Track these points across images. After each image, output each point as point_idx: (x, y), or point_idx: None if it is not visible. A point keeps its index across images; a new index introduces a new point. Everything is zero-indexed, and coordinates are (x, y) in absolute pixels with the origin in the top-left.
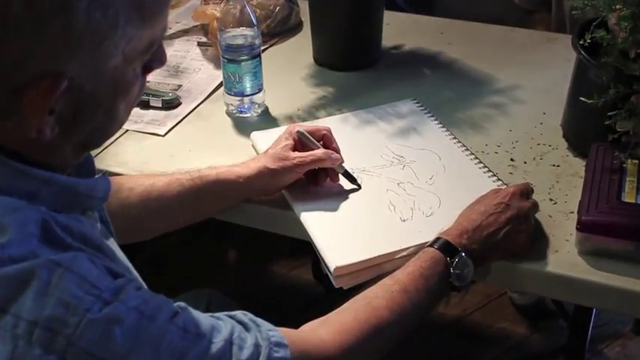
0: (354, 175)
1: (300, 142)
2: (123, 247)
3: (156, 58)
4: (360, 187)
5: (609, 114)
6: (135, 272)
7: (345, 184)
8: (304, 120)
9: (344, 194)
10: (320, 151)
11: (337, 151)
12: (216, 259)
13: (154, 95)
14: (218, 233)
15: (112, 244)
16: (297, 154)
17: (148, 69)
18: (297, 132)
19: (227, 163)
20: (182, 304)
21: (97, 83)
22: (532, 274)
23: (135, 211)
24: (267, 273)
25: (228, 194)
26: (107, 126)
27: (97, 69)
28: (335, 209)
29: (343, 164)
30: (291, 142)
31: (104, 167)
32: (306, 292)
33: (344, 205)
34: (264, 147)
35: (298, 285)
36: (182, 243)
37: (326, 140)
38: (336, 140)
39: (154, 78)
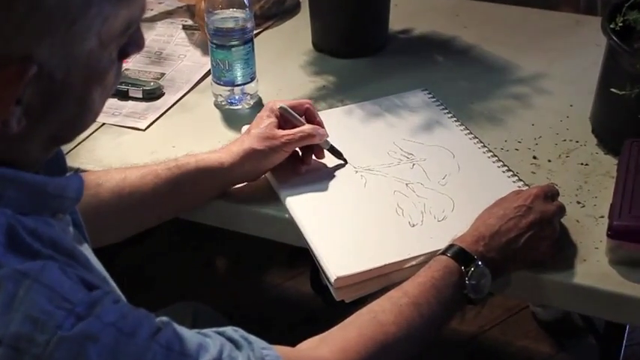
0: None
1: (283, 119)
2: (99, 254)
3: (133, 42)
4: (346, 161)
5: None
6: (112, 283)
7: (331, 160)
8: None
9: (331, 174)
10: (308, 127)
11: (321, 125)
12: (204, 267)
13: (133, 85)
14: (206, 239)
15: (87, 250)
16: (284, 131)
17: (124, 54)
18: (280, 108)
19: None
20: (165, 319)
21: (70, 69)
22: (557, 286)
23: (106, 210)
24: (260, 283)
25: (211, 183)
26: (80, 118)
27: (70, 53)
28: (323, 189)
29: (328, 139)
30: (274, 119)
31: (77, 165)
32: (303, 305)
33: (344, 205)
34: None
35: (295, 297)
36: (165, 249)
37: (309, 115)
38: (338, 135)
39: (133, 66)
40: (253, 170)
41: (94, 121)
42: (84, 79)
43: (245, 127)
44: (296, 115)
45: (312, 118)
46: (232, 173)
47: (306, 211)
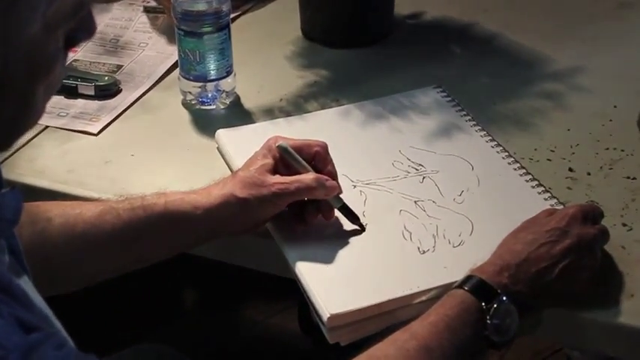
0: (356, 212)
1: (283, 162)
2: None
3: (83, 27)
4: (363, 228)
5: None
6: (56, 322)
7: (344, 222)
8: (289, 114)
9: (342, 236)
10: (309, 176)
11: (333, 176)
12: (170, 301)
13: (83, 79)
14: (173, 266)
15: (26, 283)
16: (277, 178)
17: (72, 42)
18: (279, 147)
19: (183, 173)
20: None
21: (9, 59)
22: (598, 326)
23: (54, 251)
24: (237, 320)
25: (181, 232)
26: (21, 118)
27: (9, 39)
28: (333, 256)
29: (341, 195)
30: (269, 161)
31: (15, 177)
32: (290, 347)
33: (340, 228)
34: (234, 150)
35: (280, 338)
36: (123, 279)
37: (319, 160)
38: (332, 142)
39: (84, 56)
40: (235, 221)
41: (36, 122)
42: (26, 70)
43: (220, 132)
44: (298, 157)
45: (322, 164)
46: (208, 222)
47: (294, 234)
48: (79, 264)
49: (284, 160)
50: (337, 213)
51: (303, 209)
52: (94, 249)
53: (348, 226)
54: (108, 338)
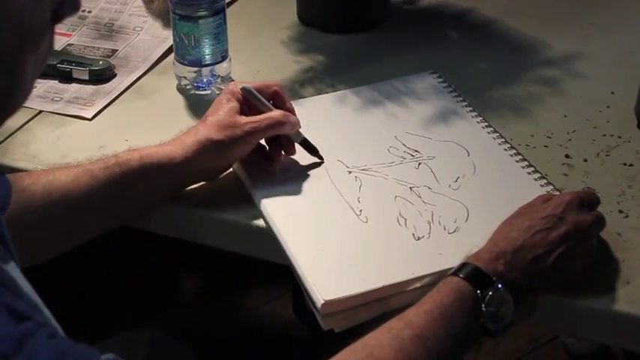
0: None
1: (247, 104)
2: (30, 272)
3: (67, 1)
4: (322, 159)
5: None
6: (46, 311)
7: (304, 157)
8: None
9: (306, 173)
10: (277, 113)
11: (292, 112)
12: (164, 288)
13: (78, 64)
14: (167, 253)
15: (14, 270)
16: (248, 118)
17: (57, 16)
18: (243, 89)
19: None
20: (111, 356)
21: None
22: (594, 314)
23: (30, 219)
24: (232, 307)
25: (159, 183)
26: (10, 95)
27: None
28: (308, 194)
29: (300, 130)
30: (235, 103)
31: (8, 162)
32: (284, 334)
33: (334, 213)
34: None
35: (275, 324)
36: (116, 264)
37: (277, 99)
38: (328, 127)
39: (78, 40)
40: (211, 166)
41: (24, 100)
42: (16, 43)
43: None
44: (262, 98)
45: (281, 103)
46: (186, 170)
47: (288, 219)
48: (58, 228)
49: (247, 101)
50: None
51: (269, 149)
52: (73, 212)
53: (306, 160)
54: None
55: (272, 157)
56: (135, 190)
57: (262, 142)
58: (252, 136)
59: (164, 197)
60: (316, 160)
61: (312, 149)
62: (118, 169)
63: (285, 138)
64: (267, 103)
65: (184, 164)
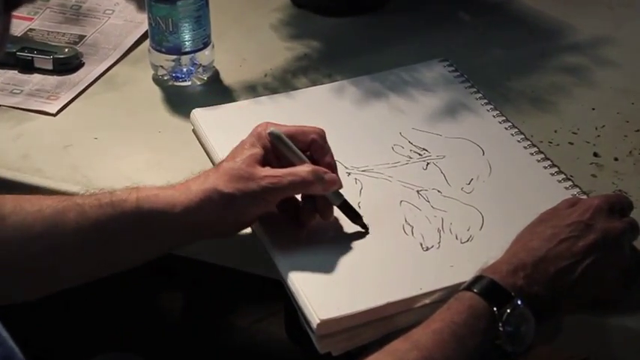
0: (359, 210)
1: (275, 152)
2: None
3: None
4: (367, 229)
5: None
6: (3, 332)
7: (344, 222)
8: (275, 91)
9: (342, 239)
10: (305, 168)
11: (333, 168)
12: (145, 305)
13: (40, 51)
14: (146, 267)
15: None
16: (268, 170)
17: (12, 3)
18: (270, 134)
19: (154, 158)
20: None
21: None
22: (628, 334)
23: (7, 254)
24: (219, 327)
25: (156, 233)
26: None
27: None
28: (330, 261)
29: (341, 191)
30: (258, 150)
31: None
32: (277, 356)
33: (331, 221)
34: (212, 133)
35: (266, 346)
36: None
37: (316, 150)
38: (323, 123)
39: (40, 24)
40: (219, 221)
41: None
42: None
43: (196, 111)
44: (292, 146)
45: (319, 155)
46: (187, 222)
47: (285, 239)
48: (38, 269)
49: (276, 149)
50: (337, 212)
51: (297, 209)
52: (56, 252)
53: (348, 227)
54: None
55: (301, 220)
56: (127, 238)
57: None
58: (270, 194)
59: (161, 250)
60: (359, 229)
61: (353, 215)
62: (111, 210)
63: (321, 198)
64: (300, 154)
65: (185, 215)
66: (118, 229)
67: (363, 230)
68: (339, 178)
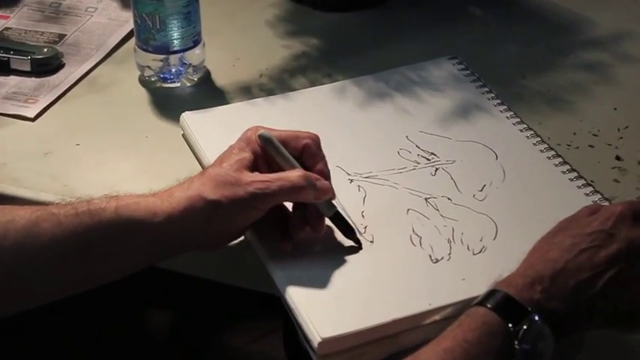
0: (351, 223)
1: (266, 157)
2: None
3: None
4: (359, 244)
5: None
6: None
7: (338, 235)
8: (270, 93)
9: (336, 252)
10: (295, 173)
11: (325, 176)
12: (130, 322)
13: (17, 51)
14: (133, 283)
15: None
16: (256, 176)
17: None
18: (260, 137)
19: (141, 166)
20: None
21: None
22: None
23: None
24: (213, 347)
25: (136, 244)
26: None
27: None
28: (329, 274)
29: (342, 199)
30: (247, 155)
31: None
32: None
33: (332, 233)
34: (203, 138)
35: None
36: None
37: (309, 155)
38: (324, 126)
39: (17, 23)
40: (205, 231)
41: None
42: None
43: (185, 114)
44: (283, 150)
45: (310, 161)
46: (169, 231)
47: (277, 240)
48: (10, 284)
49: (266, 154)
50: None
51: (286, 219)
52: (30, 265)
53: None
54: None
55: (290, 231)
56: (106, 249)
57: (288, 205)
58: (258, 201)
59: (144, 262)
60: (352, 243)
61: (346, 229)
62: (89, 219)
63: (312, 208)
64: (291, 159)
65: (167, 223)
66: (95, 240)
67: (356, 246)
68: (332, 187)
